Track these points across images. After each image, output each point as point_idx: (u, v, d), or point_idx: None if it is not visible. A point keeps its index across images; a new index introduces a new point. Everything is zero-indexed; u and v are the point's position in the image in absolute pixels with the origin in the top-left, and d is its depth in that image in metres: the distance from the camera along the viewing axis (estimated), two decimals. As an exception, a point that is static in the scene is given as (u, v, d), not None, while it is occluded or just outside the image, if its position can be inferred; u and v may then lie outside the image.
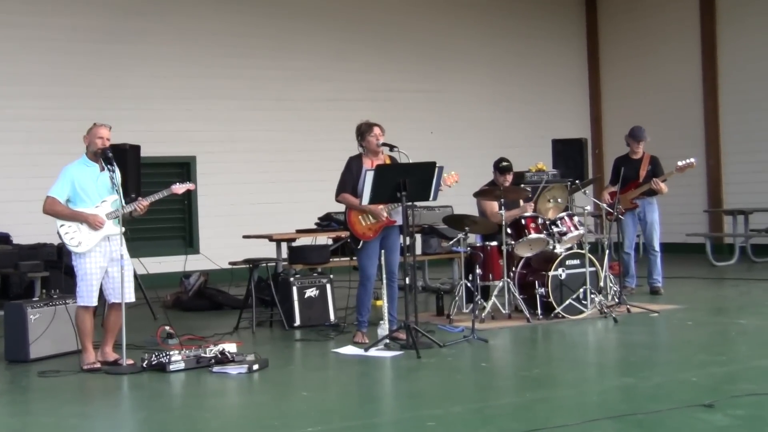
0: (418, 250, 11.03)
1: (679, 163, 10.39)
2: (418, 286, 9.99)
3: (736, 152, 15.63)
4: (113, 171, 7.29)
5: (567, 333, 8.44)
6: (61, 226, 7.23)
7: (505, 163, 9.57)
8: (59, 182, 7.26)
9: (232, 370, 6.84)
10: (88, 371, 7.12)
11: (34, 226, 11.75)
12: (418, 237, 11.11)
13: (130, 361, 7.15)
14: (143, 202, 7.33)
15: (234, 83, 14.61)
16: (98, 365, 7.21)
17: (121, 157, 8.77)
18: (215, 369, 6.91)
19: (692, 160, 10.44)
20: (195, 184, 14.00)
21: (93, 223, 7.19)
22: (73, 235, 7.19)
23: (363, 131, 8.16)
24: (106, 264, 7.26)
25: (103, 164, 7.32)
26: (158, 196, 7.42)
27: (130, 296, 7.29)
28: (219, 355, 7.04)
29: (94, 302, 7.27)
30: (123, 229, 7.29)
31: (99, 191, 7.29)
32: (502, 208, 8.95)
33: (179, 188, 7.56)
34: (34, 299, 8.05)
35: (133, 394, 6.55)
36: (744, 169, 15.48)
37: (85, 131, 7.42)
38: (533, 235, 9.12)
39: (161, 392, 6.49)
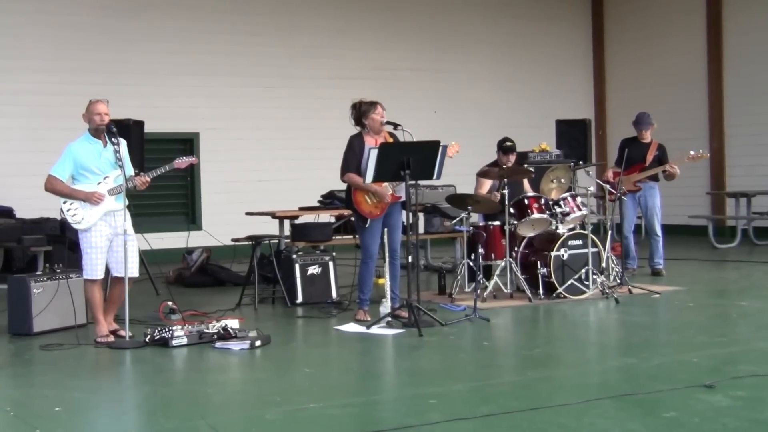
0: (421, 229, 11.04)
1: (692, 153, 10.38)
2: (421, 265, 10.00)
3: (739, 135, 15.59)
4: (117, 144, 7.31)
5: (568, 313, 8.45)
6: (64, 203, 7.29)
7: (508, 144, 9.53)
8: (61, 161, 7.30)
9: (235, 346, 6.86)
10: (101, 344, 7.14)
11: (38, 201, 11.71)
12: (421, 216, 11.12)
13: (131, 335, 7.18)
14: (144, 178, 7.33)
15: (237, 60, 14.56)
16: (112, 338, 7.23)
17: (125, 133, 8.76)
18: (217, 345, 6.93)
19: (706, 152, 10.48)
20: (198, 160, 14.30)
21: (91, 200, 7.22)
22: (75, 212, 7.24)
23: (364, 110, 8.08)
24: (110, 238, 7.29)
25: (107, 139, 7.32)
26: (160, 171, 7.43)
27: (133, 271, 7.32)
28: (221, 331, 7.06)
29: (100, 275, 7.32)
30: (127, 202, 7.30)
31: (102, 168, 7.31)
32: (506, 188, 8.92)
33: (182, 162, 7.56)
34: (37, 273, 8.07)
35: (136, 369, 6.59)
36: (747, 152, 15.44)
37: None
38: (536, 215, 9.12)
39: (164, 367, 6.51)
